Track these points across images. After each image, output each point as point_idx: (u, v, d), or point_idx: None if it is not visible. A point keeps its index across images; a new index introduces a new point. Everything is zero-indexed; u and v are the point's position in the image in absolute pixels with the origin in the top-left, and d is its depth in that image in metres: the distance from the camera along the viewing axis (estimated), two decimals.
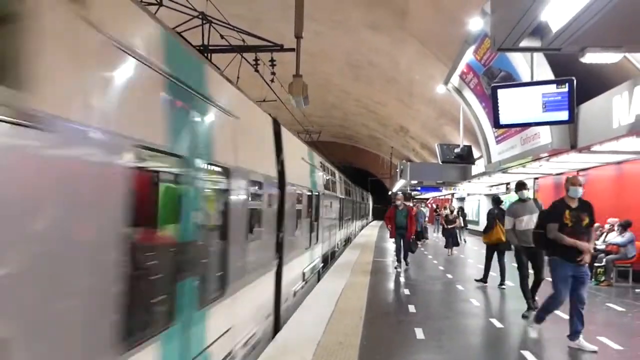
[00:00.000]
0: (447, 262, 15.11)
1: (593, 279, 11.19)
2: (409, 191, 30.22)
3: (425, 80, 19.41)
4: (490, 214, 11.28)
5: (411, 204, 13.85)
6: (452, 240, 17.90)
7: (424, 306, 8.82)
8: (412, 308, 8.52)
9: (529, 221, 8.09)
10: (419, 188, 30.71)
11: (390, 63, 19.97)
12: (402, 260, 13.35)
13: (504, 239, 10.17)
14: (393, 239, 13.87)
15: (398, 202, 13.64)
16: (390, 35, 16.93)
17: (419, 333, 6.80)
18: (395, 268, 13.24)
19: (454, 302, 9.51)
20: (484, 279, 11.10)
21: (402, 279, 11.61)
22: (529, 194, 8.39)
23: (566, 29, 3.97)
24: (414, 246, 14.20)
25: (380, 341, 6.49)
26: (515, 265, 8.75)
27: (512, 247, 8.77)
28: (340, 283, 10.58)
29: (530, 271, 8.42)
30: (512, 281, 10.32)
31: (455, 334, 7.05)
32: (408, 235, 13.43)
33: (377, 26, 16.57)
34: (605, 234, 11.93)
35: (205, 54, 8.64)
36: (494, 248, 10.86)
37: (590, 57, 4.49)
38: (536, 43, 4.30)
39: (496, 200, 11.76)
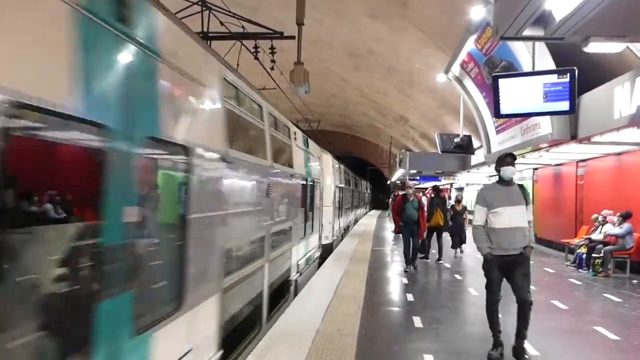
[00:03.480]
0: (445, 252, 13.87)
1: (591, 270, 11.25)
2: (407, 179, 30.11)
3: (425, 70, 19.31)
4: (431, 203, 13.49)
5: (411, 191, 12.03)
6: (459, 238, 14.36)
7: (422, 295, 8.85)
8: (410, 297, 8.54)
9: (511, 216, 5.42)
10: (417, 177, 30.69)
11: (390, 52, 19.85)
12: (411, 263, 11.36)
13: (442, 223, 13.16)
14: (396, 233, 12.47)
15: (409, 191, 11.59)
16: (391, 24, 16.81)
17: (417, 321, 6.83)
18: (405, 270, 11.23)
19: (453, 291, 9.54)
20: (425, 257, 13.17)
21: (400, 268, 11.63)
22: (514, 172, 5.70)
23: (570, 18, 3.94)
24: (426, 246, 12.11)
25: (378, 329, 6.52)
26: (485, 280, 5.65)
27: (483, 254, 5.54)
28: (339, 272, 10.61)
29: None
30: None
31: (453, 322, 7.08)
32: (420, 233, 11.43)
33: (377, 14, 16.45)
34: (600, 225, 11.96)
35: (205, 41, 8.58)
36: (433, 230, 13.16)
37: (594, 47, 4.47)
38: (539, 32, 4.27)
39: (436, 189, 14.50)
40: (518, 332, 5.35)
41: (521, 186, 5.77)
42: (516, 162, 5.81)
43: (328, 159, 16.15)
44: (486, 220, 5.54)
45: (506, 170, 5.59)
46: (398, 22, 16.34)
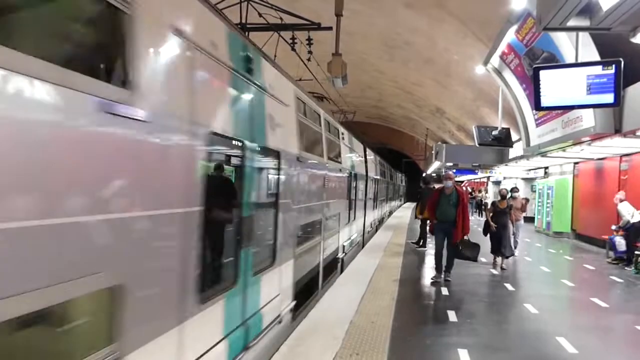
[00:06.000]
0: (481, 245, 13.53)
1: (633, 268, 10.92)
2: (444, 171, 29.72)
3: (463, 61, 18.98)
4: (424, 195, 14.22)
5: (451, 183, 9.44)
6: (504, 244, 11.07)
7: (456, 289, 8.77)
8: (444, 291, 8.49)
9: None
10: (454, 170, 30.30)
11: (427, 43, 19.58)
12: (444, 271, 9.47)
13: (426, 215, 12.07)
14: (430, 234, 10.81)
15: (448, 183, 9.39)
16: (428, 14, 16.57)
17: (452, 316, 6.79)
18: (433, 279, 9.44)
19: (488, 286, 9.43)
20: (421, 244, 14.15)
21: (434, 262, 11.52)
22: None
23: (617, 8, 3.82)
24: (475, 250, 9.47)
25: (412, 322, 6.51)
26: None
27: None
28: (373, 263, 10.62)
29: None
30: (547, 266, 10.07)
31: (489, 318, 7.01)
32: (457, 235, 9.12)
33: (414, 5, 16.23)
34: None
35: (244, 32, 8.66)
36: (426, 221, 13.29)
37: None
38: (584, 22, 4.16)
39: (425, 180, 16.39)
40: None
41: None
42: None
43: None
44: None
45: None
46: (436, 13, 16.10)
